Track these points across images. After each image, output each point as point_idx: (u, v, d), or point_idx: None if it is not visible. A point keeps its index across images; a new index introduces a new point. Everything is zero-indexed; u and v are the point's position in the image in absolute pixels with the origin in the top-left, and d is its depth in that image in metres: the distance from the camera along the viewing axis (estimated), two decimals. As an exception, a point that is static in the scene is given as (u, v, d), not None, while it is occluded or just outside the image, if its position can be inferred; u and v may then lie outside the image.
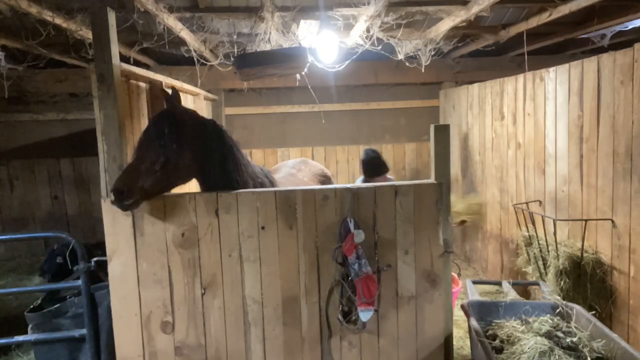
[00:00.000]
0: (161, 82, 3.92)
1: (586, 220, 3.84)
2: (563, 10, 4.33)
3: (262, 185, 3.28)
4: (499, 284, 4.05)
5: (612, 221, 3.66)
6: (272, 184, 3.49)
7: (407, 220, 2.90)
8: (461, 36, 5.96)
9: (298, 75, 4.79)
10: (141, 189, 2.60)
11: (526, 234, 4.56)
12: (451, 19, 4.47)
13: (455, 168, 6.97)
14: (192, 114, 3.02)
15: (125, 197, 2.53)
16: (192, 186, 4.87)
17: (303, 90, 6.73)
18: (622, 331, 3.60)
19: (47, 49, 5.10)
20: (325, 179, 4.70)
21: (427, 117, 7.72)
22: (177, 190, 2.99)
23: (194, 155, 2.88)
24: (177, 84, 4.67)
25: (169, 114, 2.86)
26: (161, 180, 2.71)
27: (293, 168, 4.64)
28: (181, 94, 4.80)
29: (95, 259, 2.98)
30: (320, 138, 7.80)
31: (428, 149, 7.68)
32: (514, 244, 5.03)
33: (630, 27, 5.46)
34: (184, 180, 2.96)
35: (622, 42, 5.89)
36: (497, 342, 2.82)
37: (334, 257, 2.84)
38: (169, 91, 3.03)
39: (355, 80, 7.30)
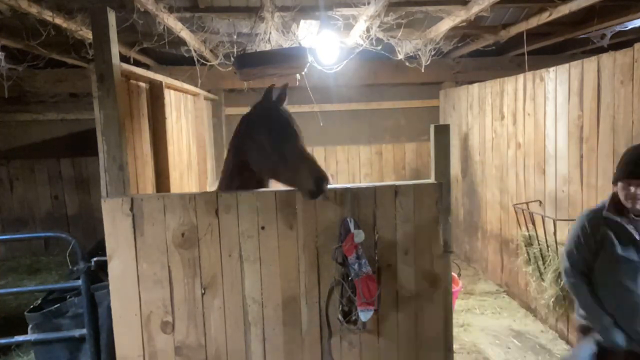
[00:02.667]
0: (161, 82, 3.92)
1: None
2: (563, 10, 4.33)
3: None
4: None
5: (612, 221, 3.66)
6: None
7: (407, 220, 2.90)
8: (461, 36, 5.96)
9: (298, 75, 4.79)
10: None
11: (526, 234, 4.57)
12: (451, 19, 4.47)
13: (455, 168, 6.97)
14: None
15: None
16: (192, 186, 4.87)
17: (303, 90, 6.72)
18: (622, 331, 3.59)
19: (47, 49, 5.10)
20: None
21: (427, 117, 7.72)
22: (178, 189, 2.99)
23: None
24: (177, 84, 4.67)
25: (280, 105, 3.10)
26: None
27: None
28: (181, 94, 4.82)
29: (95, 258, 2.98)
30: (320, 138, 7.80)
31: (428, 149, 7.67)
32: (514, 244, 5.03)
33: (630, 27, 5.46)
34: None
35: (622, 42, 5.89)
36: None
37: (334, 257, 2.84)
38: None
39: (355, 80, 7.30)
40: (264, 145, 2.88)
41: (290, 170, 2.78)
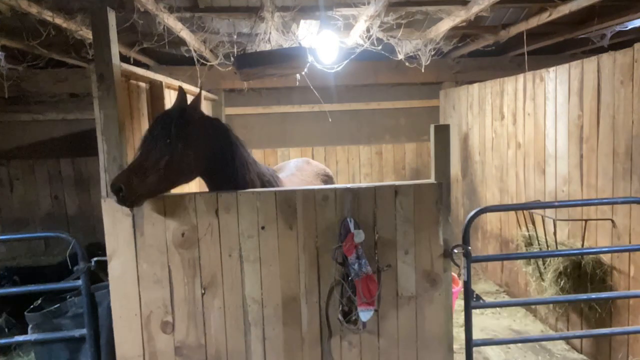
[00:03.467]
0: (161, 82, 3.92)
1: (586, 220, 3.84)
2: (563, 10, 4.33)
3: (269, 184, 3.29)
4: None
5: (612, 221, 3.66)
6: (277, 184, 3.50)
7: (407, 220, 2.90)
8: (461, 36, 5.96)
9: (298, 75, 4.79)
10: (143, 186, 2.56)
11: (526, 234, 4.56)
12: (451, 19, 4.47)
13: (455, 168, 6.97)
14: (199, 112, 3.00)
15: (125, 194, 2.50)
16: (192, 186, 4.87)
17: (303, 90, 6.73)
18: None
19: (47, 49, 5.10)
20: (327, 179, 4.71)
21: (427, 117, 7.72)
22: (178, 189, 2.99)
23: (200, 154, 2.86)
24: (177, 83, 4.67)
25: (177, 111, 2.84)
26: (165, 179, 2.68)
27: (295, 167, 4.64)
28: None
29: (95, 258, 2.98)
30: (320, 138, 7.80)
31: (428, 149, 7.68)
32: (514, 244, 5.03)
33: (630, 27, 5.46)
34: (188, 179, 2.94)
35: (622, 42, 5.89)
36: None
37: (334, 257, 2.84)
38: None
39: (355, 80, 7.30)
40: None
41: None
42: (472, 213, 3.03)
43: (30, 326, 3.22)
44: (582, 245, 3.91)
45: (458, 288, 4.42)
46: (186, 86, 5.07)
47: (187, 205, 2.85)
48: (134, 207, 2.71)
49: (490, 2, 3.87)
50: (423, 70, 5.76)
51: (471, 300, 3.05)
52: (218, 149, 2.98)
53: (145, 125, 3.68)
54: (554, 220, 4.12)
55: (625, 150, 3.47)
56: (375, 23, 4.38)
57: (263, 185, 3.21)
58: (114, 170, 2.83)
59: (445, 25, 4.69)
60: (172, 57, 6.59)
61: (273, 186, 3.33)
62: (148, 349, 2.90)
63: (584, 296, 3.64)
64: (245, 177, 3.04)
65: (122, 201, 2.54)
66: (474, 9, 4.07)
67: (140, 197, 2.60)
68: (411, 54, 5.57)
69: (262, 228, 2.87)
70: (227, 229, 2.86)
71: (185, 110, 2.86)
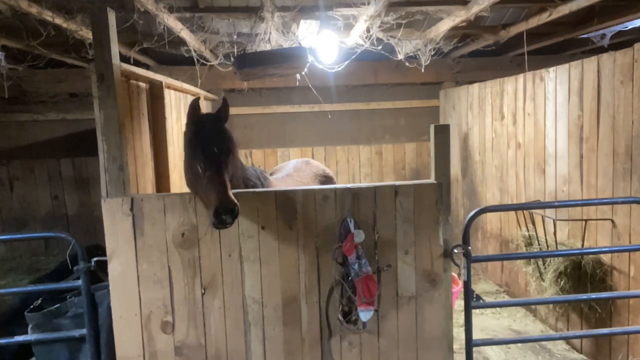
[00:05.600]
0: (161, 82, 3.92)
1: (586, 220, 3.84)
2: (563, 10, 4.33)
3: (254, 187, 3.26)
4: None
5: (612, 221, 3.66)
6: (265, 185, 3.47)
7: (407, 220, 2.90)
8: (461, 36, 5.96)
9: (298, 75, 4.79)
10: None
11: (526, 234, 4.57)
12: (451, 19, 4.47)
13: (455, 168, 6.97)
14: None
15: (237, 215, 2.41)
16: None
17: (303, 90, 6.73)
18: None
19: (47, 49, 5.10)
20: (326, 180, 4.69)
21: (427, 117, 7.72)
22: (178, 189, 2.99)
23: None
24: (177, 84, 4.67)
25: (223, 121, 2.76)
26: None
27: (293, 168, 4.64)
28: (181, 94, 4.82)
29: (95, 258, 2.98)
30: (320, 138, 7.80)
31: (428, 149, 7.68)
32: (514, 244, 5.03)
33: (630, 27, 5.46)
34: None
35: (622, 42, 5.89)
36: None
37: (334, 257, 2.84)
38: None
39: (355, 80, 7.30)
40: (188, 165, 2.69)
41: (204, 194, 2.58)
42: (472, 213, 3.03)
43: (30, 326, 3.22)
44: (582, 245, 3.91)
45: (458, 288, 4.42)
46: (186, 86, 5.07)
47: (187, 205, 2.84)
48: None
49: (490, 2, 3.87)
50: (423, 70, 5.76)
51: (471, 300, 3.05)
52: None
53: (145, 125, 3.68)
54: (554, 220, 4.12)
55: (625, 150, 3.47)
56: (375, 23, 4.38)
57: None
58: (114, 170, 2.83)
59: (445, 25, 4.69)
60: (172, 57, 6.59)
61: (259, 188, 3.28)
62: (148, 349, 2.90)
63: (584, 296, 3.64)
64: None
65: (232, 221, 2.43)
66: (474, 9, 4.07)
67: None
68: (411, 54, 5.57)
69: (262, 228, 2.87)
70: (227, 229, 2.86)
71: (220, 116, 2.80)
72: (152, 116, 3.82)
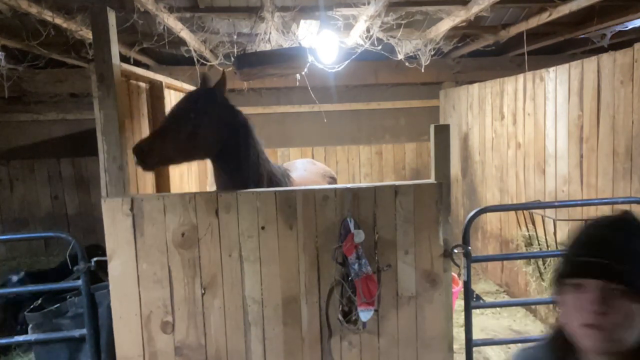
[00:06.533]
0: (161, 82, 3.92)
1: (586, 220, 3.83)
2: (563, 10, 4.33)
3: (278, 184, 3.32)
4: None
5: (612, 221, 3.66)
6: (289, 183, 3.52)
7: (407, 220, 2.90)
8: (461, 36, 5.96)
9: (298, 75, 4.79)
10: (162, 153, 2.78)
11: (526, 234, 4.57)
12: (451, 19, 4.47)
13: (455, 168, 6.97)
14: (224, 96, 3.23)
15: (145, 156, 2.71)
16: (192, 186, 4.87)
17: (303, 90, 6.71)
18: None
19: (47, 49, 5.10)
20: (332, 180, 4.68)
21: (427, 117, 7.72)
22: (178, 189, 2.99)
23: (219, 134, 3.03)
24: (177, 84, 4.67)
25: (206, 90, 3.09)
26: (183, 150, 2.90)
27: (303, 168, 4.62)
28: (181, 94, 4.81)
29: (95, 258, 2.98)
30: (320, 138, 7.80)
31: (428, 149, 7.68)
32: (514, 244, 5.03)
33: (630, 27, 5.46)
34: (202, 156, 3.19)
35: (622, 42, 5.89)
36: None
37: (334, 257, 2.84)
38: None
39: (355, 80, 7.30)
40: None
41: None
42: (472, 213, 3.03)
43: (30, 326, 3.22)
44: (582, 245, 3.91)
45: (458, 288, 4.42)
46: (186, 86, 5.07)
47: (187, 205, 2.85)
48: (148, 171, 2.92)
49: (490, 2, 3.87)
50: (423, 70, 5.75)
51: (471, 300, 3.05)
52: (236, 135, 3.11)
53: (145, 125, 3.68)
54: (554, 220, 4.12)
55: (625, 150, 3.47)
56: (375, 23, 4.38)
57: (270, 183, 3.25)
58: (114, 170, 2.83)
59: (445, 25, 4.69)
60: (172, 57, 6.58)
61: (283, 186, 3.36)
62: (148, 349, 2.90)
63: (584, 296, 3.62)
64: (256, 169, 3.15)
65: (140, 163, 2.74)
66: (474, 9, 4.07)
67: (157, 162, 2.83)
68: (411, 54, 5.57)
69: (262, 228, 2.87)
70: (227, 229, 2.86)
71: (213, 90, 3.08)
72: (152, 116, 3.82)
